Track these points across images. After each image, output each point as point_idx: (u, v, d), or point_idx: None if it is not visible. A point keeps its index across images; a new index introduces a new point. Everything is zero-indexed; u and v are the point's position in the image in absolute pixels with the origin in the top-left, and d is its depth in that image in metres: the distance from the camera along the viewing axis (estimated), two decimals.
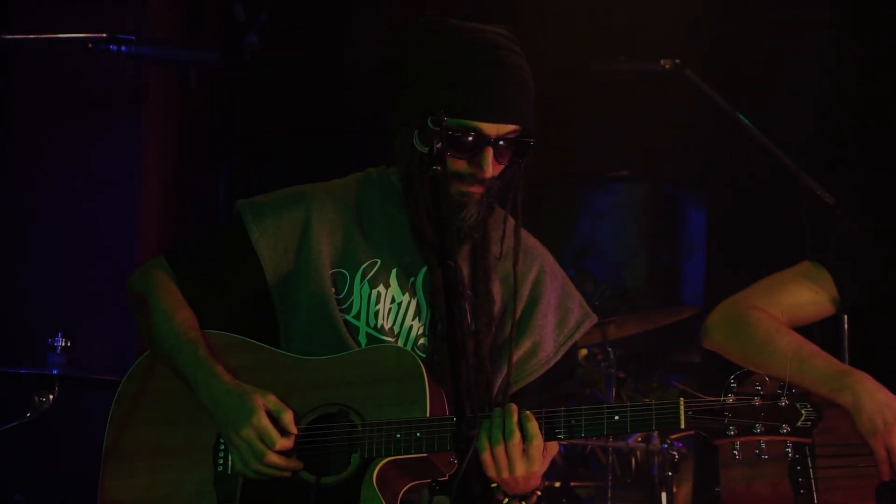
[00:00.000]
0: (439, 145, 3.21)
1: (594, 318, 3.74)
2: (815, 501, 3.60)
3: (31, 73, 6.13)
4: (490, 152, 3.45)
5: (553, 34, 5.45)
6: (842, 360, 3.87)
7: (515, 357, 3.60)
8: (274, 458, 3.37)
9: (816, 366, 3.69)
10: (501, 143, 3.46)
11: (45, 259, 6.11)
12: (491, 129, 3.44)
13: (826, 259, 3.90)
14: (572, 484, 6.38)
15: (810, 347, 3.74)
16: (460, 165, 3.47)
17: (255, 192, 3.72)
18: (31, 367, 4.95)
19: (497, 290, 3.63)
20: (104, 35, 5.13)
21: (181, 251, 3.70)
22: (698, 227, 8.28)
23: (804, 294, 3.88)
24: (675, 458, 5.84)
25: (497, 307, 3.61)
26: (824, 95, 6.46)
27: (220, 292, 3.63)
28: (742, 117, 5.19)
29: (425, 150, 3.33)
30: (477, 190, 3.50)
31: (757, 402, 3.22)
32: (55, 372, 4.88)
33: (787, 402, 3.22)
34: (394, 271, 3.60)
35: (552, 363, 3.64)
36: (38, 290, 6.08)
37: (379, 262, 3.60)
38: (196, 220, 6.77)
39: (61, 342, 4.95)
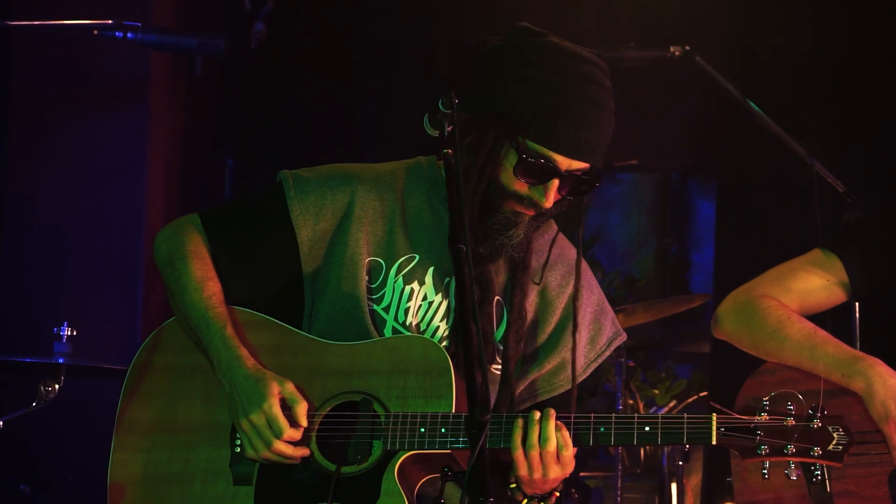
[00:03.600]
0: (450, 128, 3.16)
1: (624, 336, 3.74)
2: (829, 490, 3.57)
3: (36, 61, 6.10)
4: (556, 184, 3.43)
5: (561, 20, 5.41)
6: (853, 347, 3.83)
7: (544, 370, 3.60)
8: (281, 447, 3.32)
9: (828, 351, 3.67)
10: (569, 177, 3.43)
11: (51, 248, 6.09)
12: (564, 162, 3.41)
13: (837, 246, 3.87)
14: (582, 474, 6.36)
15: (822, 334, 3.72)
16: (521, 188, 3.45)
17: (261, 182, 3.67)
18: (37, 356, 4.93)
19: (532, 302, 3.61)
20: (110, 21, 5.09)
21: (216, 213, 3.63)
22: (707, 216, 8.25)
23: (815, 282, 3.86)
24: (684, 447, 5.81)
25: (528, 323, 3.60)
26: (836, 82, 6.42)
27: (250, 261, 3.56)
28: (752, 104, 5.15)
29: (435, 133, 3.28)
30: (530, 213, 3.49)
31: (790, 422, 3.23)
32: (61, 361, 4.86)
33: (819, 424, 3.23)
34: (431, 269, 3.57)
35: (580, 380, 3.62)
36: (43, 280, 6.06)
37: (417, 257, 3.57)
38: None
39: (67, 331, 4.93)
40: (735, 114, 5.93)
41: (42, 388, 4.84)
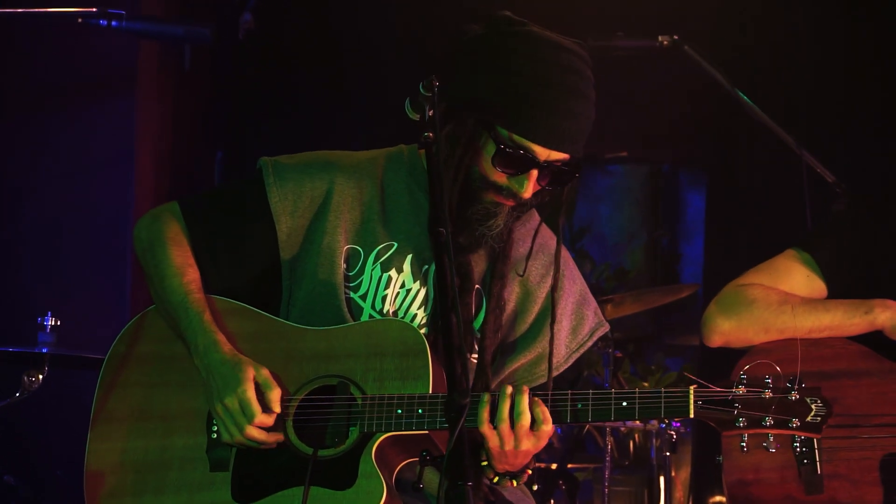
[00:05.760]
0: (431, 112, 3.14)
1: (607, 327, 3.71)
2: (819, 472, 3.57)
3: (25, 52, 6.08)
4: (535, 175, 3.40)
5: (548, 9, 5.38)
6: None
7: (525, 360, 3.58)
8: (253, 433, 3.31)
9: (840, 302, 3.71)
10: (548, 167, 3.41)
11: (37, 238, 6.07)
12: (543, 152, 3.39)
13: (809, 245, 3.86)
14: (569, 466, 6.34)
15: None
16: (501, 178, 3.42)
17: (250, 174, 3.64)
18: (21, 346, 4.90)
19: (512, 292, 3.59)
20: (94, 10, 5.06)
21: (195, 201, 3.60)
22: (697, 208, 8.24)
23: (796, 270, 3.85)
24: (672, 437, 5.79)
25: (507, 314, 3.58)
26: (826, 72, 6.41)
27: (228, 248, 3.55)
28: (742, 95, 5.13)
29: (416, 117, 3.24)
30: (510, 203, 3.46)
31: (767, 394, 3.21)
32: (45, 351, 4.84)
33: (797, 395, 3.21)
34: (409, 257, 3.55)
35: (562, 370, 3.60)
36: (31, 271, 6.04)
37: (395, 245, 3.55)
38: None
39: (51, 321, 4.90)
40: (725, 106, 5.92)
41: (26, 378, 4.83)
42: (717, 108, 6.78)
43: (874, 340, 3.72)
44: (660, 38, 5.24)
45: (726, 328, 3.81)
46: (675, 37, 5.21)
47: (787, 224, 6.08)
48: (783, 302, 3.73)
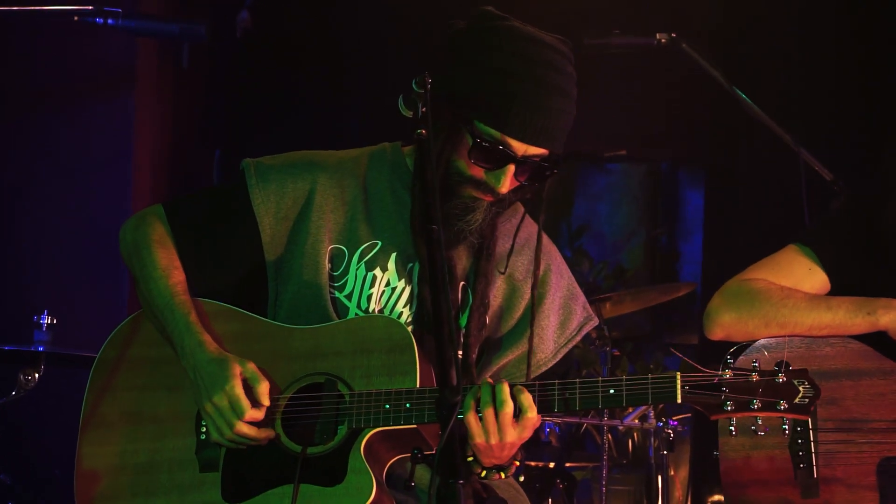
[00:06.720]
0: (424, 109, 3.13)
1: (596, 321, 3.71)
2: (815, 476, 3.55)
3: (21, 51, 6.08)
4: (512, 169, 3.40)
5: (544, 6, 5.38)
6: None
7: (513, 356, 3.58)
8: (244, 429, 3.31)
9: (844, 300, 3.68)
10: (525, 163, 3.40)
11: (34, 237, 6.06)
12: (520, 147, 3.38)
13: (811, 241, 3.84)
14: (567, 465, 6.32)
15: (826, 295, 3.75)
16: (478, 172, 3.42)
17: (235, 176, 3.64)
18: (17, 344, 4.90)
19: (498, 288, 3.58)
20: (90, 7, 5.06)
21: (179, 204, 3.61)
22: (696, 206, 8.24)
23: (799, 263, 3.83)
24: (669, 436, 5.78)
25: (492, 311, 3.58)
26: (824, 69, 6.40)
27: (213, 251, 3.56)
28: (740, 92, 5.12)
29: (409, 114, 3.22)
30: (488, 198, 3.45)
31: (754, 377, 3.19)
32: (41, 349, 4.83)
33: (784, 378, 3.19)
34: (393, 255, 3.55)
35: (550, 365, 3.61)
36: (25, 268, 6.04)
37: (379, 244, 3.55)
38: None
39: (47, 319, 4.90)
40: (724, 104, 5.91)
41: (22, 376, 4.83)
42: (715, 107, 6.77)
43: (876, 339, 3.71)
44: (657, 35, 5.21)
45: (728, 320, 3.79)
46: (673, 34, 5.19)
47: (785, 222, 6.08)
48: (786, 297, 3.71)
